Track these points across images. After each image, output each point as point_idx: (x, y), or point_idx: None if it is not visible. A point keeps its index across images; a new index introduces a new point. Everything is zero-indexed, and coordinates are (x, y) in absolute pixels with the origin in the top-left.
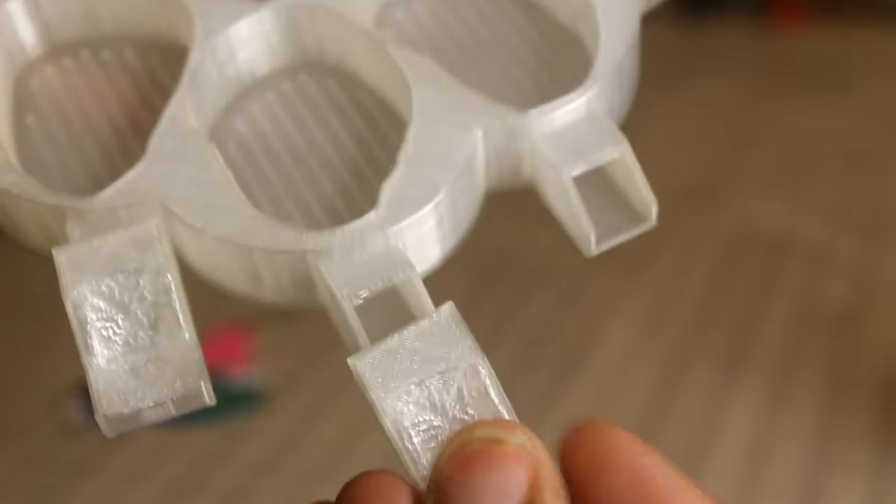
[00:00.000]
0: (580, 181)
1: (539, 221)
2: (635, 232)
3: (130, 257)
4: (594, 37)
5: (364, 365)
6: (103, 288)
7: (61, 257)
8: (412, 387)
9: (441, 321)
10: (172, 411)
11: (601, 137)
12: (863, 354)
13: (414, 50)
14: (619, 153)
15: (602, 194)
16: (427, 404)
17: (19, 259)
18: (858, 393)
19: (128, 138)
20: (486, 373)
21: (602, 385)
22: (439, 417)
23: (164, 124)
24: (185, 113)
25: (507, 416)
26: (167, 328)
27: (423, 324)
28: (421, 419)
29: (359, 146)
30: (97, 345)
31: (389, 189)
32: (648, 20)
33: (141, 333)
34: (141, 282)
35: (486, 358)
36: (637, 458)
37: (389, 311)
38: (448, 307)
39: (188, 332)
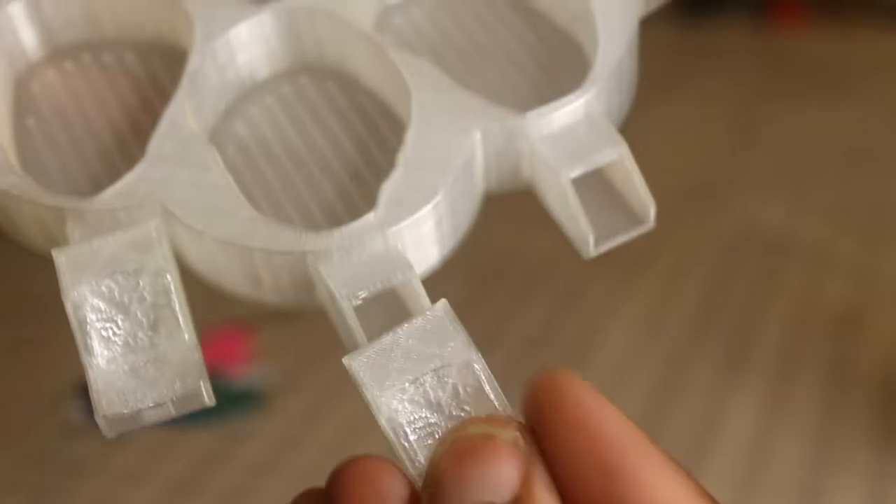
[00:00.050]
0: (578, 183)
1: (538, 223)
2: (634, 233)
3: (130, 258)
4: (593, 41)
5: (359, 364)
6: (103, 289)
7: (61, 258)
8: (407, 384)
9: (434, 319)
10: (172, 412)
11: (599, 139)
12: (863, 354)
13: (413, 54)
14: (617, 155)
15: (600, 196)
16: (422, 402)
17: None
18: (858, 393)
19: (128, 141)
20: (480, 368)
21: (602, 385)
22: (435, 414)
23: (163, 127)
24: (184, 116)
25: (502, 411)
26: (167, 329)
27: (417, 322)
28: (417, 416)
29: (358, 149)
30: (97, 345)
31: (388, 190)
32: (648, 20)
33: (140, 334)
34: (141, 283)
35: (479, 354)
36: (590, 409)
37: (388, 312)
38: (441, 304)
39: (188, 333)
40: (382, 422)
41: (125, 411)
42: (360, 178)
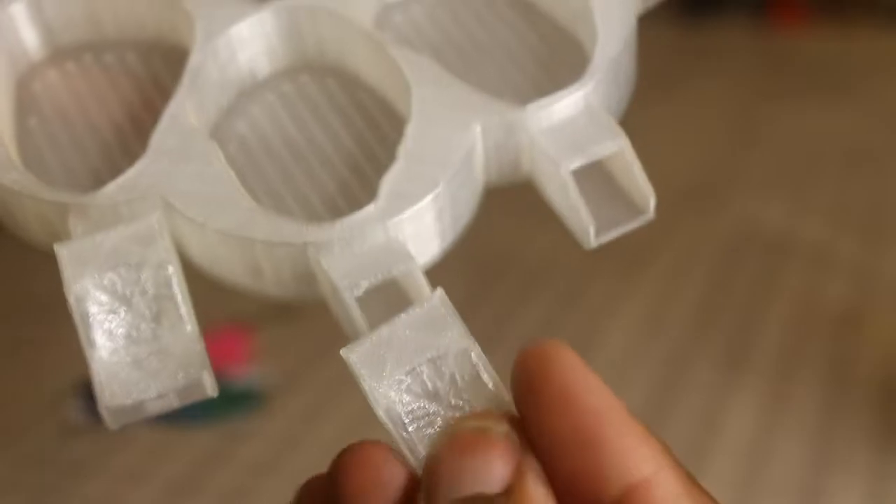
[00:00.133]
0: (579, 175)
1: (538, 221)
2: (634, 224)
3: (132, 251)
4: (592, 38)
5: (356, 356)
6: (105, 282)
7: (63, 252)
8: (405, 375)
9: (431, 308)
10: (175, 402)
11: (599, 131)
12: (863, 354)
13: (413, 51)
14: (617, 147)
15: (601, 187)
16: (421, 391)
17: (19, 260)
18: (858, 393)
19: (130, 140)
20: (476, 356)
21: None
22: (434, 404)
23: (164, 122)
24: (185, 111)
25: (500, 398)
26: (169, 321)
27: (414, 312)
28: (415, 406)
29: (359, 145)
30: (100, 338)
31: (389, 182)
32: (648, 20)
33: (143, 326)
34: (143, 275)
35: (476, 342)
36: (575, 379)
37: (390, 303)
38: (437, 294)
39: (190, 325)
40: (381, 413)
41: (128, 402)
42: (360, 172)
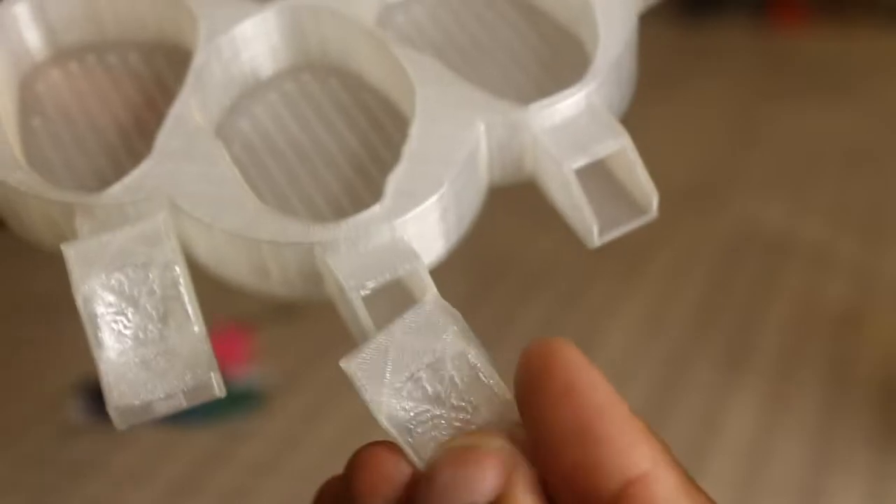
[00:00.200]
0: (582, 174)
1: (539, 224)
2: (637, 223)
3: (139, 252)
4: (593, 38)
5: (355, 366)
6: (113, 282)
7: (70, 252)
8: (404, 381)
9: (425, 312)
10: (183, 403)
11: (602, 130)
12: (863, 354)
13: (416, 51)
14: (619, 145)
15: (603, 186)
16: (421, 396)
17: (20, 260)
18: (858, 393)
19: (133, 139)
20: (474, 357)
21: None
22: (436, 407)
23: (169, 123)
24: (190, 111)
25: (501, 398)
26: (176, 321)
27: (408, 317)
28: (418, 412)
29: (362, 145)
30: (108, 338)
31: (394, 182)
32: (648, 20)
33: (150, 327)
34: (150, 276)
35: (473, 342)
36: (577, 375)
37: (396, 302)
38: (430, 297)
39: (197, 325)
40: (383, 421)
41: (136, 403)
42: (364, 172)
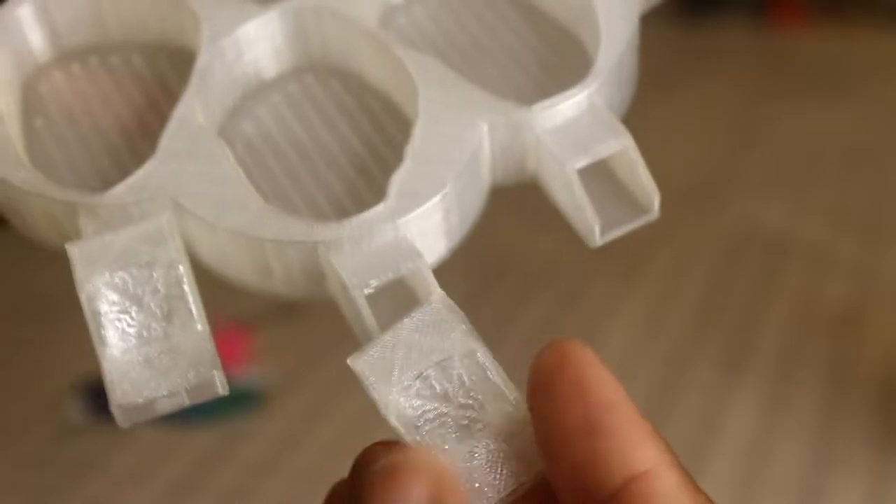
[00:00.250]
0: (584, 174)
1: (539, 224)
2: (639, 223)
3: (143, 251)
4: (594, 38)
5: (363, 364)
6: (116, 281)
7: (75, 251)
8: (413, 380)
9: (433, 311)
10: (186, 401)
11: (604, 130)
12: (863, 354)
13: (418, 52)
14: (621, 145)
15: (605, 186)
16: (430, 395)
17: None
18: (858, 393)
19: (136, 140)
20: (482, 356)
21: None
22: (444, 405)
23: (173, 124)
24: (193, 112)
25: (509, 395)
26: (180, 320)
27: (416, 316)
28: (426, 410)
29: (365, 146)
30: (111, 336)
31: (398, 182)
32: (648, 20)
33: (154, 325)
34: (154, 274)
35: (481, 341)
36: (588, 372)
37: (399, 301)
38: (438, 296)
39: (201, 324)
40: (392, 419)
41: (139, 401)
42: (367, 172)
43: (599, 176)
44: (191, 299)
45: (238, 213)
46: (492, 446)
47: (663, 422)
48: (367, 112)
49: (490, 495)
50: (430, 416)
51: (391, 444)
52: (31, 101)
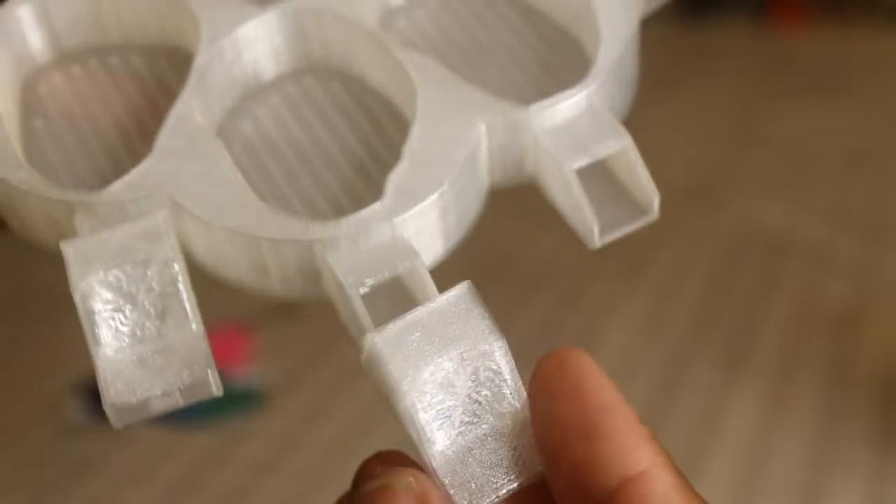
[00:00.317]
0: (583, 174)
1: (539, 224)
2: (638, 224)
3: (138, 249)
4: (594, 38)
5: (383, 342)
6: (111, 279)
7: (69, 250)
8: (430, 366)
9: (458, 300)
10: (180, 401)
11: (603, 131)
12: (863, 354)
13: (417, 53)
14: (620, 146)
15: (605, 187)
16: (442, 383)
17: (20, 259)
18: (858, 393)
19: (135, 141)
20: (502, 354)
21: None
22: (452, 397)
23: (171, 122)
24: (191, 111)
25: (517, 396)
26: (174, 319)
27: (440, 302)
28: (435, 398)
29: (363, 147)
30: (105, 335)
31: (395, 181)
32: (648, 20)
33: (148, 324)
34: (149, 273)
35: (503, 339)
36: (586, 376)
37: (395, 300)
38: (465, 287)
39: (195, 323)
40: (404, 402)
41: (133, 400)
42: (366, 173)
43: (599, 176)
44: (185, 298)
45: (234, 212)
46: (493, 445)
47: (663, 422)
48: (367, 114)
49: (489, 494)
50: (438, 406)
51: (388, 457)
52: (30, 102)
